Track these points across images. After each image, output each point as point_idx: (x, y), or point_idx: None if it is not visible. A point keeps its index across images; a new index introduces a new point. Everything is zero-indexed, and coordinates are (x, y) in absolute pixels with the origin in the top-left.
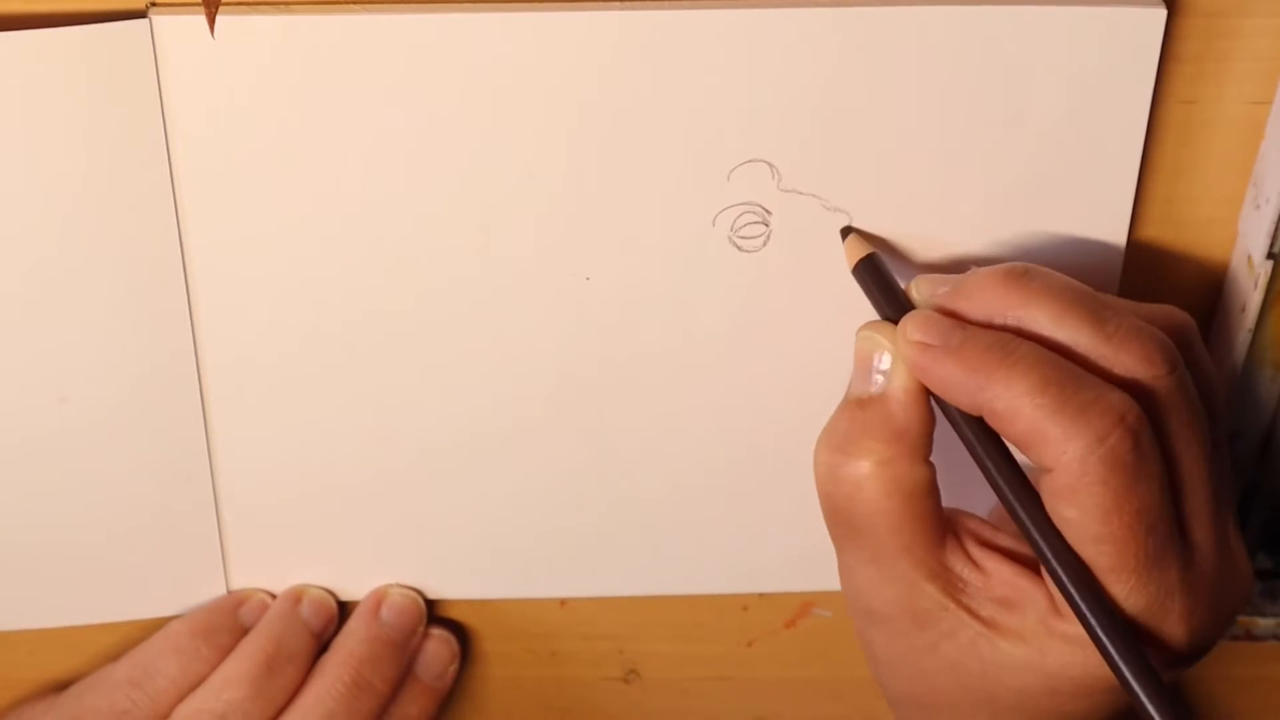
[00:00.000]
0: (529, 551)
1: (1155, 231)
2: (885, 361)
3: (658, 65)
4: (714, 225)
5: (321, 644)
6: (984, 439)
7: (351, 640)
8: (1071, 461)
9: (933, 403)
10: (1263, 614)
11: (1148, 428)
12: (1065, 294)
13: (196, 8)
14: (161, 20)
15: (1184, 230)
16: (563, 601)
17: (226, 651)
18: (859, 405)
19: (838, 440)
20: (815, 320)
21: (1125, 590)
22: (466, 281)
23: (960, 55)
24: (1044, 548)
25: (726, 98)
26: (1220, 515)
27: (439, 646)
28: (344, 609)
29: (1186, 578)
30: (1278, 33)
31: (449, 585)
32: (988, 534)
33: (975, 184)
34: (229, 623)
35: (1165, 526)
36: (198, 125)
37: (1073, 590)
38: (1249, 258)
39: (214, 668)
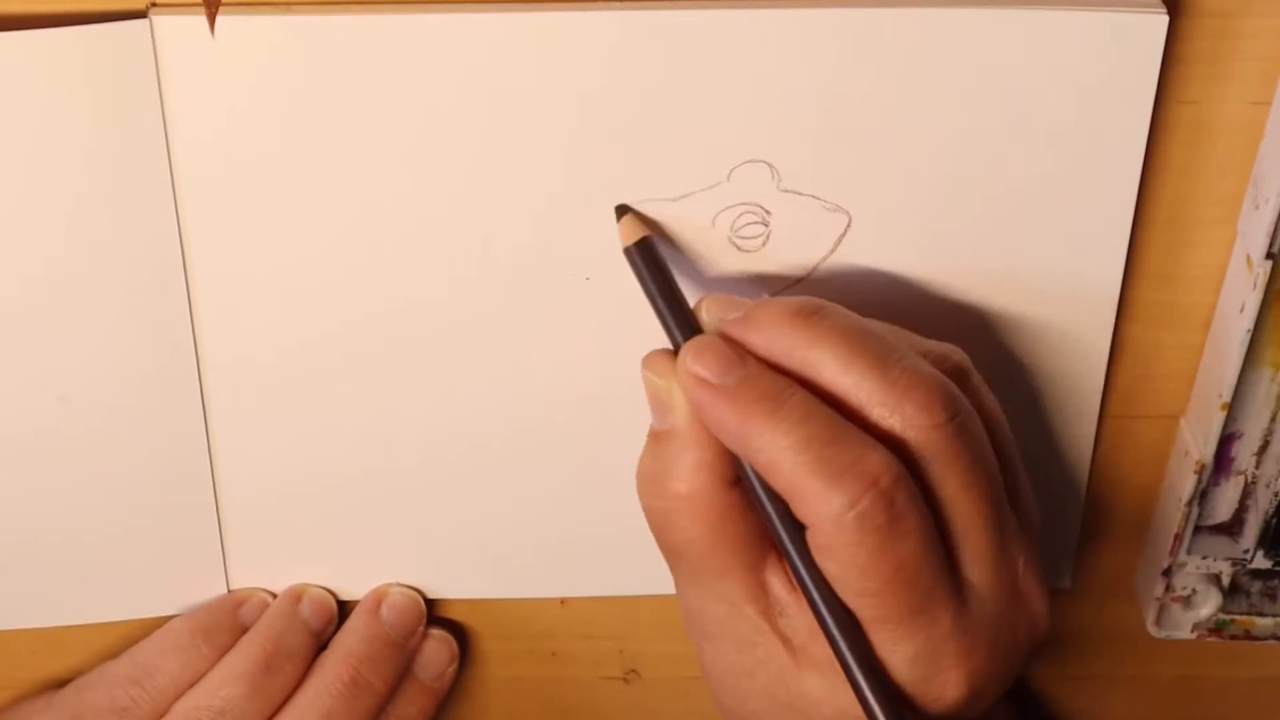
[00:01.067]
0: (529, 551)
1: (1156, 231)
2: (668, 393)
3: (658, 65)
4: (714, 225)
5: (321, 643)
6: (762, 481)
7: (351, 638)
8: (826, 522)
9: None
10: (1262, 614)
11: (906, 487)
12: (851, 337)
13: (196, 8)
14: (162, 20)
15: (1184, 230)
16: (563, 601)
17: (226, 650)
18: (657, 440)
19: (646, 476)
20: None
21: (892, 639)
22: (466, 282)
23: (962, 58)
24: (814, 594)
25: (727, 98)
26: (1004, 554)
27: (438, 647)
28: (344, 609)
29: (961, 623)
30: (1277, 34)
31: (449, 585)
32: None
33: (976, 186)
34: (229, 621)
35: (930, 576)
36: (198, 125)
37: (840, 642)
38: (1248, 257)
39: (214, 666)
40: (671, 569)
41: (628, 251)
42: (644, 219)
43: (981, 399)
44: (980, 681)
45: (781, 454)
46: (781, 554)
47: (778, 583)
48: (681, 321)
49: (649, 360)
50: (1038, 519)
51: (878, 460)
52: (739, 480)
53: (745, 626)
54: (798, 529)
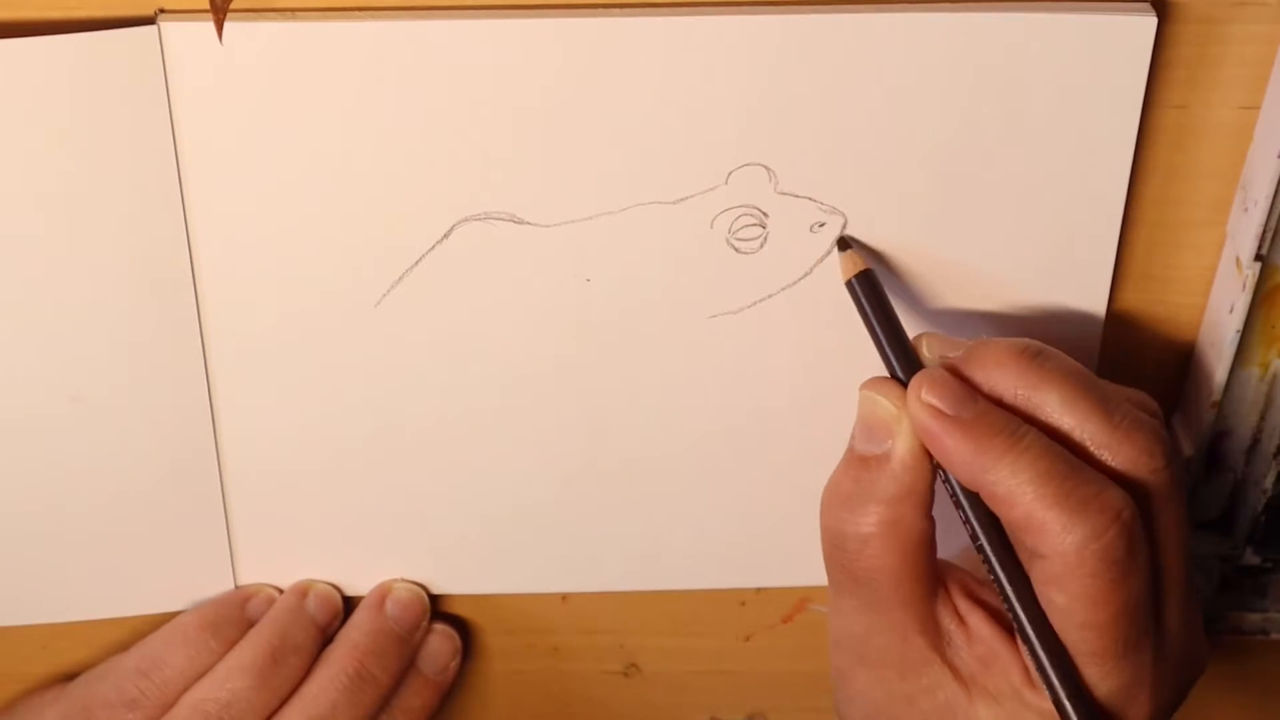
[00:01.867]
0: (531, 548)
1: (1146, 234)
2: (888, 421)
3: (657, 70)
4: (712, 227)
5: (326, 638)
6: (980, 515)
7: (356, 632)
8: (1067, 553)
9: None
10: (1251, 609)
11: (1140, 525)
12: (1076, 379)
13: (204, 15)
14: (170, 27)
15: (1174, 232)
16: (564, 597)
17: (233, 644)
18: (863, 464)
19: (842, 498)
20: (812, 320)
21: (1102, 673)
22: (470, 280)
23: (954, 61)
24: (1027, 627)
25: (724, 102)
26: (1192, 603)
27: (441, 641)
28: (349, 604)
29: (1158, 660)
30: (1265, 39)
31: (453, 581)
32: (974, 587)
33: (968, 187)
34: (236, 616)
35: (1146, 615)
36: (205, 130)
37: (1050, 672)
38: (1237, 259)
39: (221, 659)
40: (841, 593)
41: (849, 284)
42: (866, 250)
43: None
44: (1161, 715)
45: (1021, 486)
46: (950, 589)
47: (946, 616)
48: (901, 354)
49: (875, 384)
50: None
51: (1118, 495)
52: (931, 515)
53: (915, 655)
54: (1016, 563)
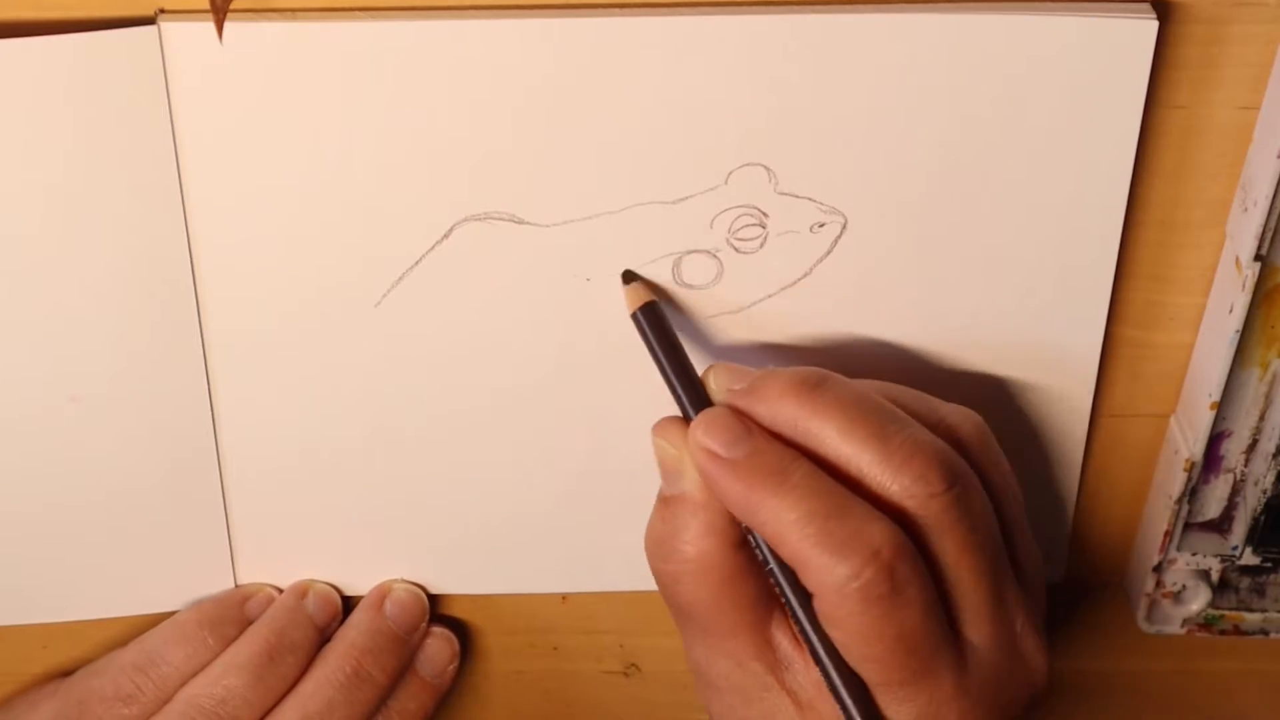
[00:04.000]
0: (531, 548)
1: (1147, 234)
2: (678, 461)
3: (657, 70)
4: (712, 227)
5: (324, 638)
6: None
7: (354, 632)
8: (830, 592)
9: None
10: (1250, 609)
11: (907, 557)
12: (852, 408)
13: (204, 15)
14: (169, 27)
15: (1174, 232)
16: (564, 597)
17: (231, 643)
18: (666, 504)
19: (654, 537)
20: (812, 320)
21: (895, 700)
22: (468, 282)
23: (955, 62)
24: (820, 656)
25: (724, 102)
26: (1004, 619)
27: (440, 644)
28: (349, 605)
29: (963, 683)
30: (1265, 40)
31: (453, 581)
32: None
33: (969, 189)
34: (235, 615)
35: (932, 642)
36: (205, 129)
37: (844, 697)
38: (1237, 259)
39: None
40: (679, 627)
41: (634, 316)
42: (649, 284)
43: (995, 462)
44: None
45: (787, 527)
46: (786, 611)
47: (783, 639)
48: (689, 389)
49: (660, 428)
50: (1042, 574)
51: (879, 531)
52: (744, 543)
53: (752, 682)
54: (805, 594)
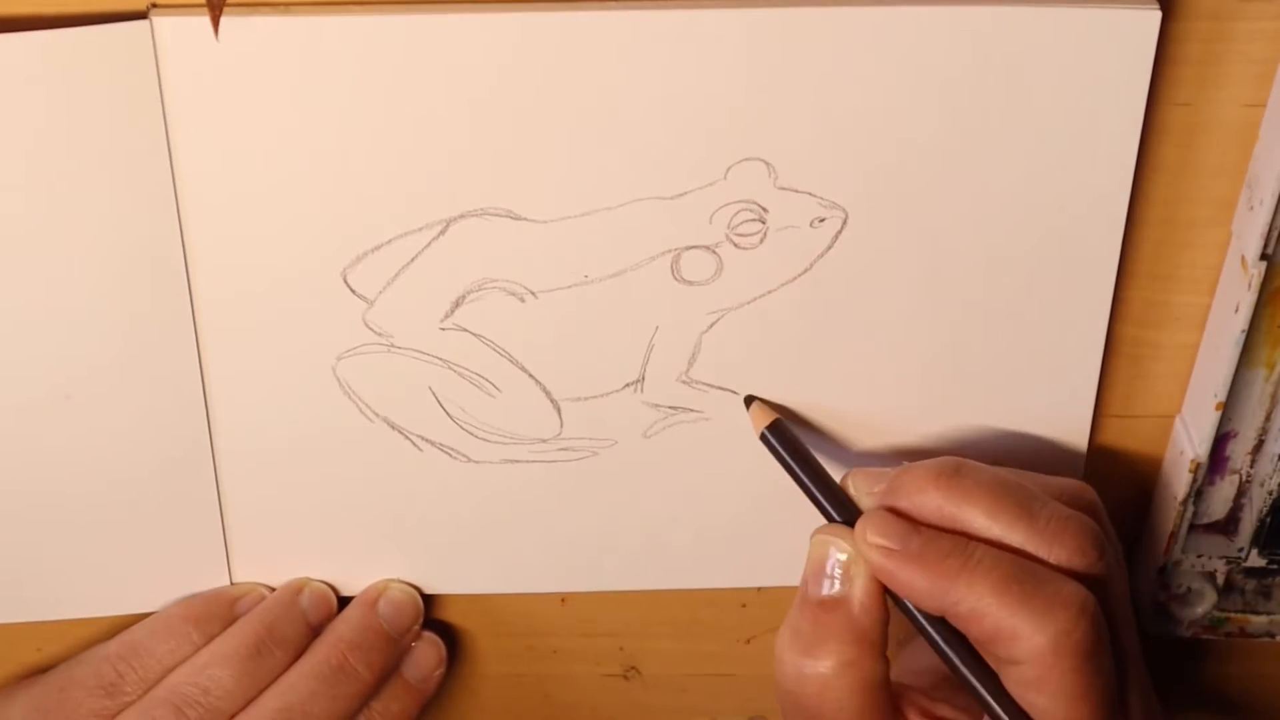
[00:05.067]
0: (530, 547)
1: (1150, 232)
2: (843, 564)
3: (656, 65)
4: (711, 222)
5: (316, 636)
6: (947, 636)
7: (344, 626)
8: (1044, 653)
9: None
10: (1256, 612)
11: (1101, 612)
12: (995, 490)
13: (196, 9)
14: (162, 21)
15: (1178, 231)
16: (563, 599)
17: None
18: (820, 607)
19: (803, 643)
20: (813, 315)
21: None
22: (465, 278)
23: (956, 55)
24: None
25: (723, 97)
26: (1144, 678)
27: (427, 649)
28: (346, 605)
29: None
30: (1271, 36)
31: (452, 581)
32: (929, 706)
33: (970, 184)
34: (223, 612)
35: (1116, 700)
36: (198, 125)
37: None
38: (1243, 258)
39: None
40: None
41: (763, 437)
42: (771, 404)
43: (1109, 531)
44: None
45: (982, 600)
46: (906, 712)
47: None
48: (832, 498)
49: (828, 531)
50: None
51: (1077, 589)
52: (885, 656)
53: None
54: (990, 674)
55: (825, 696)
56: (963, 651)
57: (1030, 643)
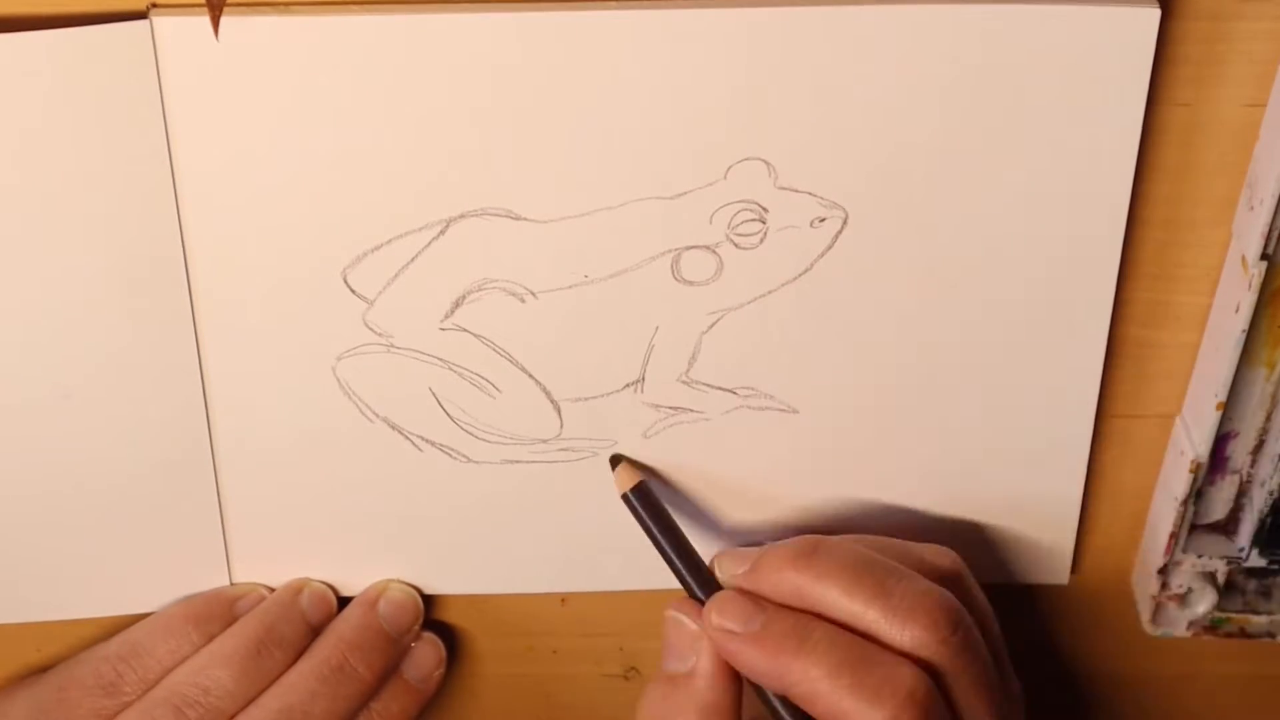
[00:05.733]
0: (530, 548)
1: (1151, 232)
2: (691, 641)
3: (656, 65)
4: (711, 222)
5: (316, 636)
6: (795, 715)
7: (344, 626)
8: None
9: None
10: (1257, 612)
11: (937, 698)
12: (850, 569)
13: (195, 9)
14: (162, 21)
15: (1179, 231)
16: (563, 599)
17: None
18: (670, 682)
19: (654, 715)
20: (812, 314)
21: None
22: (465, 278)
23: (955, 54)
24: None
25: (724, 97)
26: None
27: (427, 649)
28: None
29: None
30: (1272, 36)
31: (452, 581)
32: None
33: (971, 183)
34: (223, 612)
35: None
36: (198, 124)
37: None
38: (1243, 258)
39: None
40: None
41: (625, 498)
42: (637, 465)
43: (974, 598)
44: None
45: (816, 684)
46: None
47: None
48: (691, 568)
49: (678, 606)
50: (1021, 695)
51: (909, 674)
52: None
53: None
54: None
55: None
56: None
57: None
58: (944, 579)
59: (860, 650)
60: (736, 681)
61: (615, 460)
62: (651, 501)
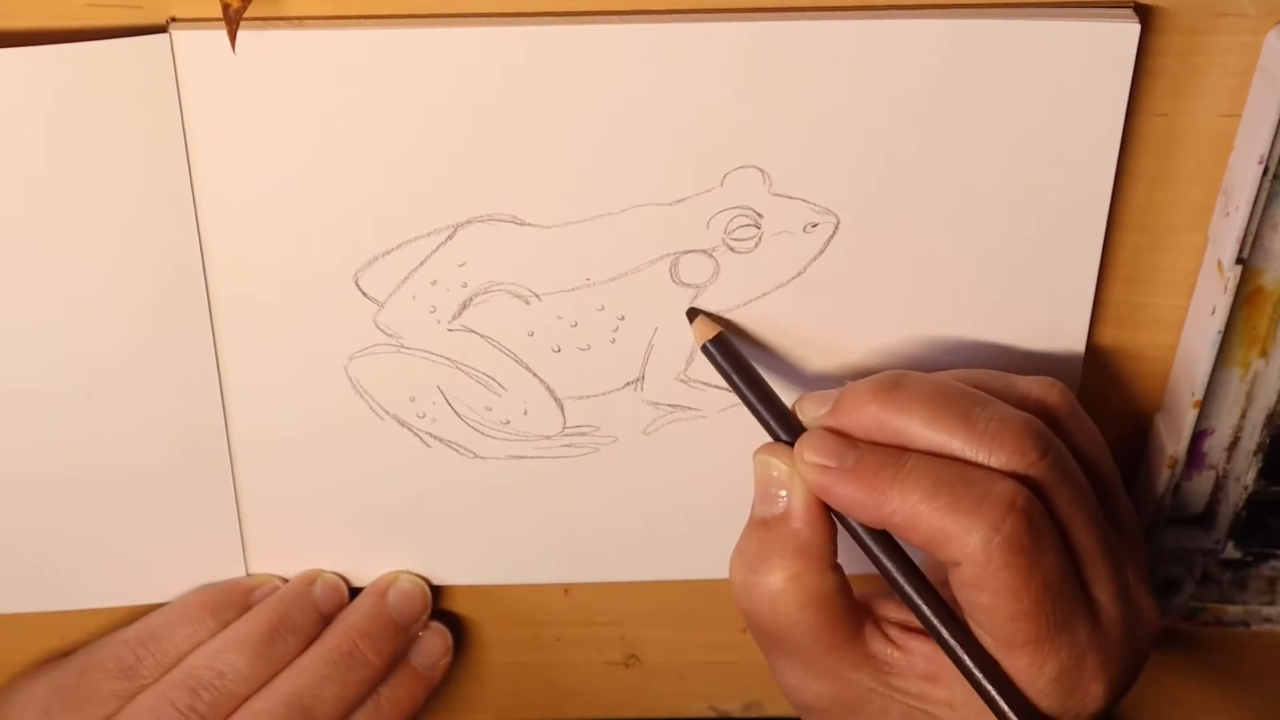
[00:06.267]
0: (534, 540)
1: (1130, 237)
2: (783, 482)
3: (656, 76)
4: (708, 227)
5: (328, 624)
6: (884, 548)
7: (355, 614)
8: (976, 552)
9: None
10: (1232, 601)
11: (1039, 506)
12: (934, 400)
13: (214, 23)
14: (181, 35)
15: (1157, 236)
16: (566, 590)
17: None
18: (764, 525)
19: (749, 559)
20: (806, 316)
21: (1039, 661)
22: (472, 281)
23: (942, 66)
24: (950, 643)
25: (720, 106)
26: (1119, 573)
27: (434, 637)
28: (356, 595)
29: (1095, 637)
30: (1246, 49)
31: (460, 572)
32: (903, 615)
33: (956, 190)
34: (239, 600)
35: (1069, 593)
36: (216, 133)
37: (982, 681)
38: (1219, 263)
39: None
40: (770, 652)
41: (705, 349)
42: (714, 318)
43: (1083, 425)
44: (1116, 690)
45: (915, 506)
46: (879, 622)
47: (881, 644)
48: (775, 413)
49: (769, 449)
50: (1139, 531)
51: (1008, 485)
52: (837, 566)
53: (857, 693)
54: (927, 586)
55: (775, 612)
56: (902, 565)
57: (961, 543)
58: (1046, 410)
59: (956, 470)
60: (829, 519)
61: (692, 314)
62: (731, 351)
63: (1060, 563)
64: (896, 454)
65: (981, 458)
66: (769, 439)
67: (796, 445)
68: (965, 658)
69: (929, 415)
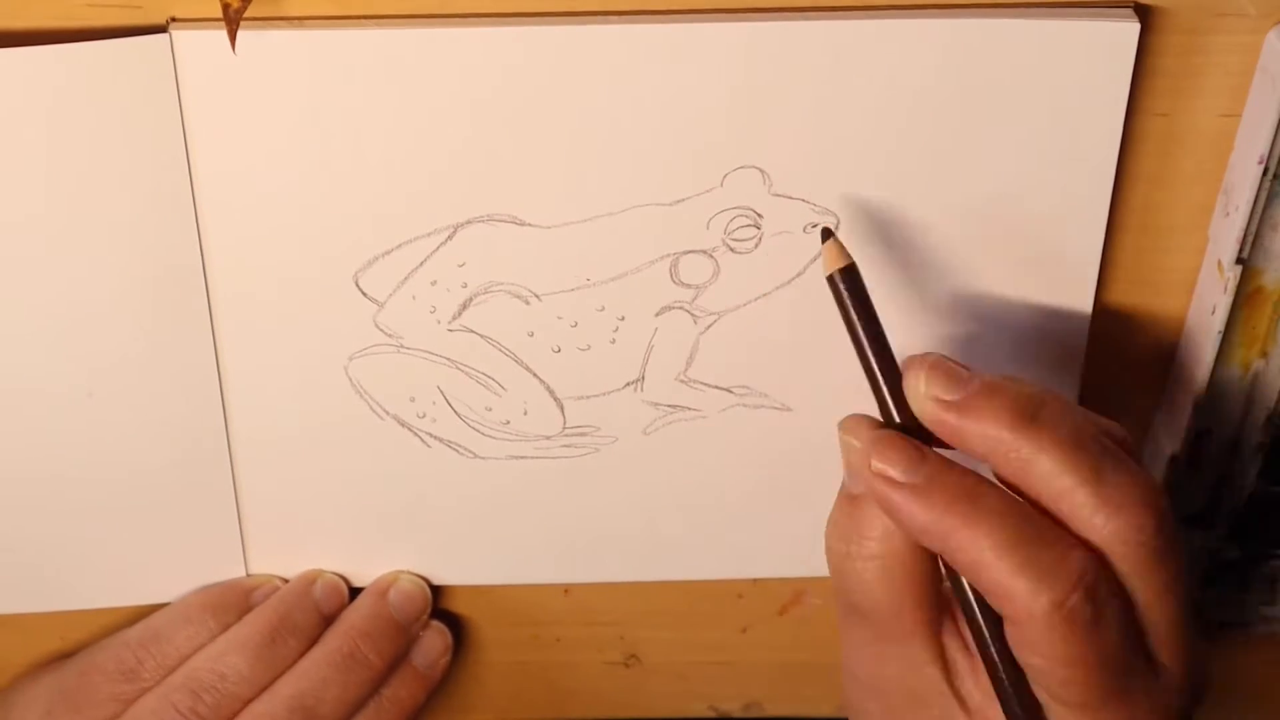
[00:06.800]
0: (534, 540)
1: (1130, 237)
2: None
3: (656, 77)
4: (708, 228)
5: (328, 625)
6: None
7: (356, 615)
8: (1036, 619)
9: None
10: (1231, 601)
11: (1107, 580)
12: (1070, 445)
13: (214, 24)
14: (181, 35)
15: (1158, 237)
16: (566, 590)
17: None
18: (851, 500)
19: (840, 531)
20: (806, 317)
21: None
22: (472, 281)
23: (942, 66)
24: (1004, 683)
25: (720, 107)
26: (1189, 634)
27: (434, 637)
28: (356, 596)
29: (1152, 702)
30: (1245, 50)
31: (460, 572)
32: None
33: (956, 189)
34: (239, 601)
35: (1128, 663)
36: (216, 133)
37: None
38: (1219, 263)
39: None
40: (847, 627)
41: (830, 279)
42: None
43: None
44: None
45: (983, 554)
46: (957, 619)
47: (954, 646)
48: (885, 368)
49: (849, 425)
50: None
51: (1082, 558)
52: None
53: (927, 686)
54: (994, 616)
55: (861, 586)
56: (967, 591)
57: (1023, 606)
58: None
59: (1034, 526)
60: None
61: (825, 234)
62: (858, 287)
63: (1122, 636)
64: (973, 485)
65: (1098, 518)
66: (779, 430)
67: (868, 444)
68: (1018, 709)
69: (1061, 459)
